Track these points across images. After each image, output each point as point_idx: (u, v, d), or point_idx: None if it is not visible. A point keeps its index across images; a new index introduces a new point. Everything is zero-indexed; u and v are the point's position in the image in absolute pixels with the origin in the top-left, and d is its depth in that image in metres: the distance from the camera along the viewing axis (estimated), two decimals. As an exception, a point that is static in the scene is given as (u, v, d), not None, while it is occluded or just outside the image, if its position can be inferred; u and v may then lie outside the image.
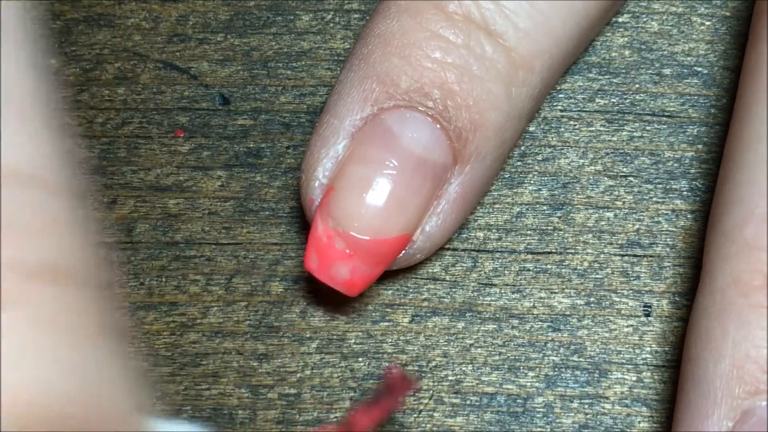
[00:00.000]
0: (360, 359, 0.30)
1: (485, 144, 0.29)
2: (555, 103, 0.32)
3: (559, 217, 0.31)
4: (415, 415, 0.30)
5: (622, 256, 0.31)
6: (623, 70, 0.32)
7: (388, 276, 0.31)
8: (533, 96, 0.29)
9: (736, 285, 0.27)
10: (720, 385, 0.26)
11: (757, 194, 0.27)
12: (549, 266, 0.31)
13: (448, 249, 0.31)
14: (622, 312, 0.30)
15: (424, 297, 0.31)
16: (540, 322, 0.30)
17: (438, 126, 0.28)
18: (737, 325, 0.26)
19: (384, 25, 0.29)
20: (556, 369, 0.30)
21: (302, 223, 0.31)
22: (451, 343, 0.30)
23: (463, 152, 0.28)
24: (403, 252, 0.29)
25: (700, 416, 0.27)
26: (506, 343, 0.30)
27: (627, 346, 0.30)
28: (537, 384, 0.30)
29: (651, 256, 0.31)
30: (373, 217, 0.28)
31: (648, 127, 0.32)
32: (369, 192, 0.28)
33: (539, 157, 0.32)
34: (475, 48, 0.28)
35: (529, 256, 0.31)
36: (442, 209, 0.29)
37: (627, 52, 0.32)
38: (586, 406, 0.30)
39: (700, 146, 0.31)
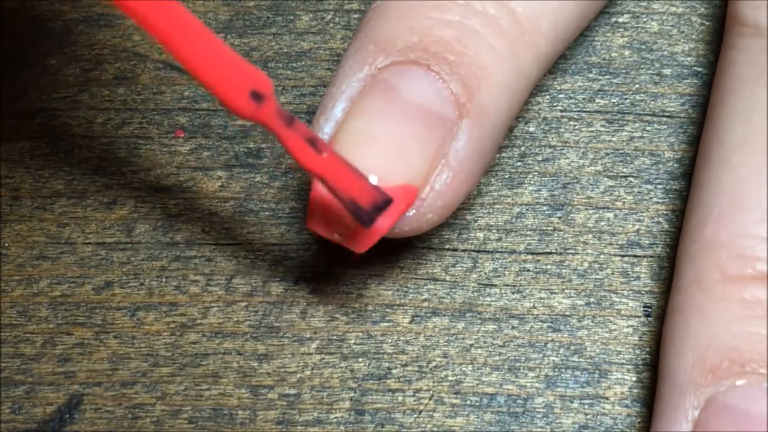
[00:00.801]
0: (360, 359, 0.30)
1: (491, 100, 0.28)
2: (555, 103, 0.32)
3: (559, 218, 0.31)
4: (415, 416, 0.30)
5: (622, 256, 0.31)
6: (623, 70, 0.32)
7: (388, 276, 0.31)
8: (539, 59, 0.28)
9: (697, 282, 0.28)
10: (684, 376, 0.27)
11: (715, 194, 0.28)
12: (549, 267, 0.31)
13: (448, 249, 0.31)
14: (622, 312, 0.30)
15: (424, 297, 0.31)
16: (540, 323, 0.30)
17: (439, 79, 0.27)
18: (697, 318, 0.27)
19: None
20: (556, 369, 0.30)
21: (302, 223, 0.31)
22: (451, 344, 0.30)
23: (468, 107, 0.27)
24: (413, 210, 0.27)
25: (669, 409, 0.27)
26: (506, 343, 0.30)
27: (627, 346, 0.30)
28: (537, 384, 0.30)
29: (651, 257, 0.31)
30: (374, 164, 0.27)
31: (648, 128, 0.32)
32: (369, 140, 0.27)
33: (539, 158, 0.32)
34: (475, 6, 0.28)
35: (529, 257, 0.31)
36: (451, 167, 0.27)
37: (627, 52, 0.32)
38: (586, 407, 0.30)
39: (700, 146, 0.31)
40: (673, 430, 0.27)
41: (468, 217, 0.31)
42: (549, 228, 0.31)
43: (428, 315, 0.31)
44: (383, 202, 0.26)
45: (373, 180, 0.27)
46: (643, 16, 0.32)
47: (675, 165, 0.31)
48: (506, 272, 0.31)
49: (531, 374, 0.30)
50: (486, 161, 0.28)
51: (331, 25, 0.33)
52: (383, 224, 0.27)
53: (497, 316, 0.30)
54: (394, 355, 0.30)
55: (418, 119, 0.27)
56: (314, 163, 0.25)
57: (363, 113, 0.27)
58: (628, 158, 0.31)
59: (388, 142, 0.27)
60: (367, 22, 0.28)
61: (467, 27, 0.27)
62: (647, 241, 0.31)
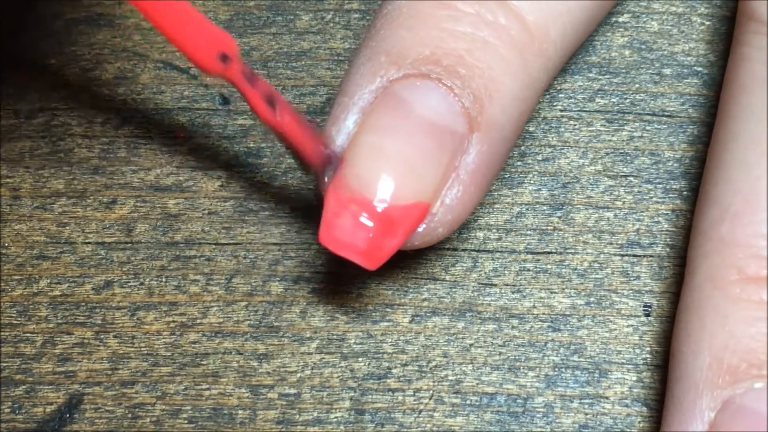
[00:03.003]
0: (360, 359, 0.30)
1: (501, 112, 0.28)
2: (555, 103, 0.32)
3: (559, 217, 0.31)
4: (415, 415, 0.30)
5: (622, 256, 0.31)
6: (623, 70, 0.32)
7: (388, 276, 0.31)
8: (548, 67, 0.28)
9: (712, 280, 0.27)
10: (700, 377, 0.27)
11: (731, 192, 0.28)
12: (549, 266, 0.31)
13: (448, 249, 0.31)
14: (622, 312, 0.30)
15: (424, 297, 0.31)
16: (540, 322, 0.30)
17: (450, 93, 0.27)
18: (714, 318, 0.27)
19: (391, 4, 0.28)
20: (556, 369, 0.30)
21: (302, 223, 0.31)
22: (451, 343, 0.30)
23: (479, 120, 0.27)
24: (424, 225, 0.28)
25: (684, 409, 0.27)
26: (506, 343, 0.30)
27: (627, 346, 0.30)
28: (537, 384, 0.30)
29: (651, 256, 0.31)
30: (386, 183, 0.27)
31: (648, 127, 0.32)
32: (381, 157, 0.27)
33: (539, 157, 0.32)
34: (486, 16, 0.28)
35: (529, 256, 0.31)
36: (461, 180, 0.28)
37: (627, 52, 0.32)
38: (586, 406, 0.30)
39: (700, 146, 0.31)
40: (687, 431, 0.27)
41: (468, 217, 0.31)
42: (549, 227, 0.31)
43: (428, 314, 0.31)
44: (333, 160, 0.28)
45: (387, 192, 0.27)
46: (643, 15, 0.32)
47: (675, 165, 0.31)
48: (506, 272, 0.31)
49: (531, 374, 0.30)
50: (495, 172, 0.29)
51: (331, 24, 0.33)
52: (394, 242, 0.27)
53: (497, 315, 0.30)
54: (394, 355, 0.30)
55: (429, 135, 0.27)
56: (269, 119, 0.27)
57: (375, 129, 0.27)
58: (628, 158, 0.31)
59: (399, 158, 0.27)
60: (377, 30, 0.28)
61: (478, 38, 0.28)
62: (647, 241, 0.31)
